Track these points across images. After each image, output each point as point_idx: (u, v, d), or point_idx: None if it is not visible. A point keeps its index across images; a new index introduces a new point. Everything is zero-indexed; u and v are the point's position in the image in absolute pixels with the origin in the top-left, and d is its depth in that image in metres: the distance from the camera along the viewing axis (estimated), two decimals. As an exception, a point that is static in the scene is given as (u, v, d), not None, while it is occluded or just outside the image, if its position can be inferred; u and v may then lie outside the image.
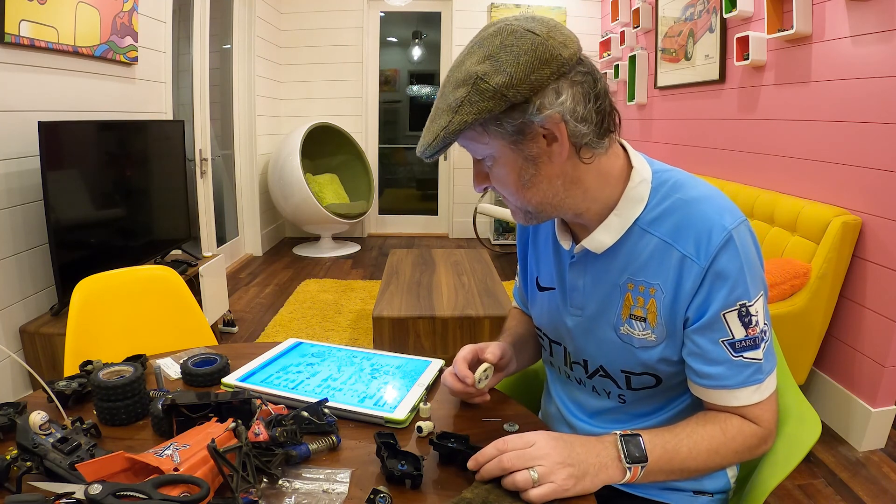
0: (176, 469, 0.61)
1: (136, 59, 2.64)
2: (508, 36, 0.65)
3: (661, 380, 0.79)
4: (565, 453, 0.68)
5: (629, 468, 0.69)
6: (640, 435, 0.71)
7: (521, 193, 0.74)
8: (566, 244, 0.84)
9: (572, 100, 0.66)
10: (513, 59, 0.64)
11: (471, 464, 0.68)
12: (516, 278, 1.06)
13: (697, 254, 0.71)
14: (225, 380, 0.93)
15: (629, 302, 0.77)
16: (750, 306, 0.71)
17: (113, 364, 0.87)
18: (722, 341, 0.72)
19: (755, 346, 0.72)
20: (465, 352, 0.89)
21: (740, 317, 0.71)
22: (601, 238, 0.78)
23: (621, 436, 0.71)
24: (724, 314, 0.71)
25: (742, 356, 0.72)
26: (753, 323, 0.72)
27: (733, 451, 0.73)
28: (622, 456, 0.69)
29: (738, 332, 0.72)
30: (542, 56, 0.64)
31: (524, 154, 0.70)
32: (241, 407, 0.76)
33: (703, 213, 0.72)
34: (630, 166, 0.78)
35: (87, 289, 1.25)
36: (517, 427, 0.82)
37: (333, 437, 0.77)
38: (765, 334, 0.73)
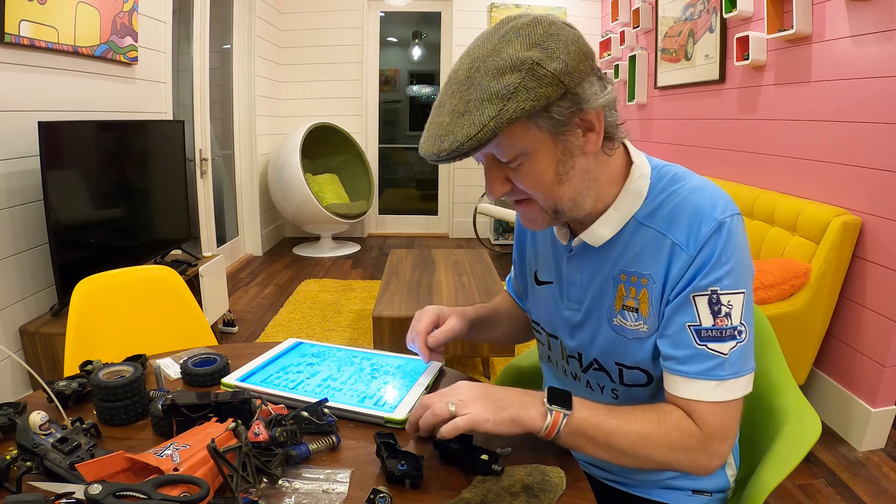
0: (176, 469, 0.61)
1: (136, 59, 2.64)
2: (550, 26, 0.65)
3: (652, 377, 0.79)
4: (483, 391, 0.72)
5: (550, 410, 0.70)
6: (570, 392, 0.73)
7: (555, 190, 0.72)
8: (563, 239, 0.85)
9: (605, 91, 0.69)
10: (563, 48, 0.64)
11: (408, 428, 0.75)
12: (512, 268, 1.08)
13: (687, 243, 0.72)
14: (225, 380, 0.93)
15: (622, 293, 0.78)
16: (722, 295, 0.70)
17: (113, 364, 0.87)
18: (688, 326, 0.71)
19: (721, 339, 0.70)
20: (426, 324, 0.93)
21: (710, 303, 0.70)
22: (599, 231, 0.78)
23: (549, 387, 0.73)
24: (693, 296, 0.71)
25: (706, 346, 0.70)
26: (723, 314, 0.70)
27: (667, 445, 0.70)
28: (544, 399, 0.71)
29: (706, 320, 0.70)
30: (583, 48, 0.66)
31: (563, 146, 0.69)
32: (241, 407, 0.76)
33: (695, 204, 0.73)
34: (630, 163, 0.79)
35: (87, 289, 1.25)
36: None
37: (333, 437, 0.77)
38: (737, 333, 0.70)
